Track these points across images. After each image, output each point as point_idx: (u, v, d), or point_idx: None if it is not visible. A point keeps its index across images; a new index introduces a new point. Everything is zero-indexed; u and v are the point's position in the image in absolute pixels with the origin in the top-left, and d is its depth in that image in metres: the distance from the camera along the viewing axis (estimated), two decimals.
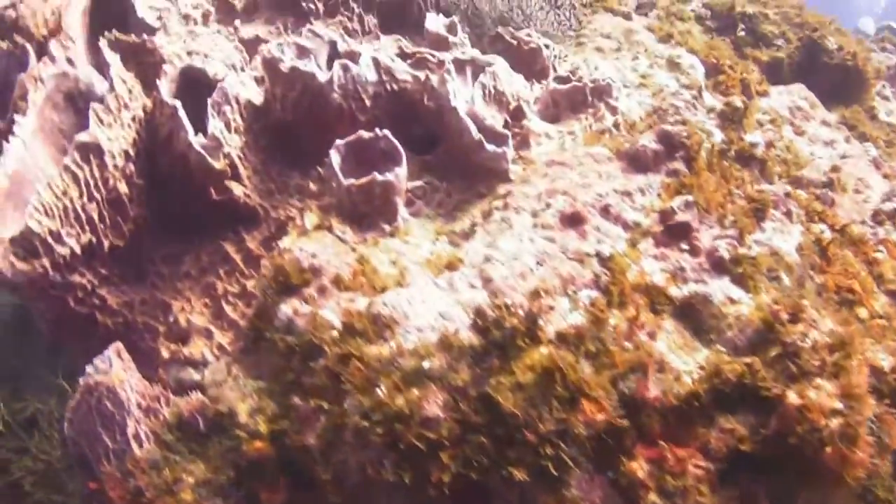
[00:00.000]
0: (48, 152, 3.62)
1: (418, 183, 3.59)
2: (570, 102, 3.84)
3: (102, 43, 3.67)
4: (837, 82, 5.45)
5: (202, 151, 3.39)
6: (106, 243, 3.54)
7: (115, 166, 3.52)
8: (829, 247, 3.54)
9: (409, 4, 4.28)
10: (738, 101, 3.76)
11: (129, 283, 3.68)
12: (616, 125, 3.73)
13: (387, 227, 3.47)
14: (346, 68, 3.50)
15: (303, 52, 3.65)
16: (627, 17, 4.77)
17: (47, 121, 3.62)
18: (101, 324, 3.61)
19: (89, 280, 3.53)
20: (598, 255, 3.07)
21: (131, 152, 3.59)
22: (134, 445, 3.25)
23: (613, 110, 3.81)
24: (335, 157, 3.50)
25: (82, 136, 3.40)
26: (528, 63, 4.04)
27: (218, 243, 3.61)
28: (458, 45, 3.95)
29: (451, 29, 4.02)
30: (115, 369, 3.28)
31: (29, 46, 3.71)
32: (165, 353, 3.51)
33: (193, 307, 3.58)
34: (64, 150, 3.66)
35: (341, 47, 3.67)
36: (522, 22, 4.11)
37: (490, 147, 3.47)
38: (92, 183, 3.46)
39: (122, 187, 3.56)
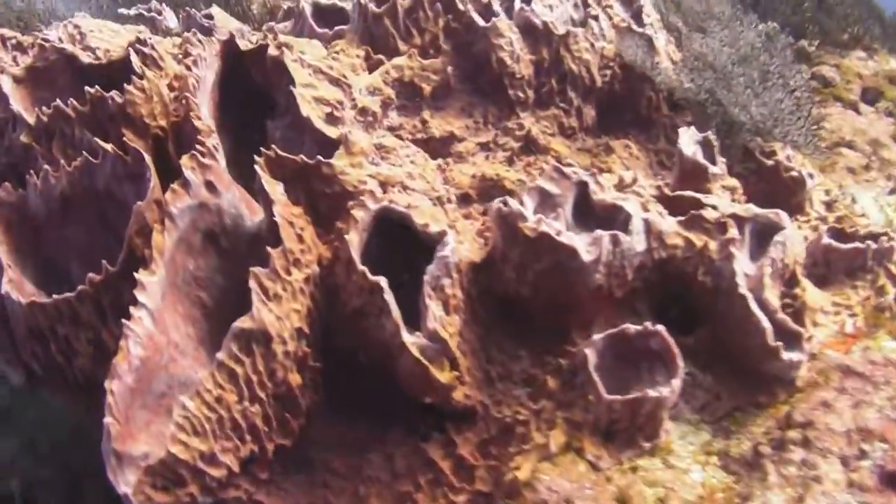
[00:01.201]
0: (183, 312, 2.61)
1: None
2: (847, 265, 3.06)
3: (259, 165, 2.53)
4: None
5: (424, 360, 2.44)
6: (270, 447, 2.62)
7: (286, 353, 2.56)
8: None
9: (637, 97, 3.23)
10: None
11: (290, 478, 2.78)
12: None
13: (646, 445, 2.71)
14: (616, 242, 2.57)
15: (546, 201, 2.67)
16: (856, 108, 3.94)
17: (180, 271, 2.57)
18: None
19: (245, 490, 2.63)
20: None
21: (305, 328, 2.62)
22: None
23: (894, 279, 3.07)
24: (591, 357, 2.64)
25: (243, 323, 2.40)
26: (787, 193, 3.19)
27: (417, 443, 2.74)
28: (718, 177, 3.02)
29: (708, 151, 3.06)
30: None
31: (147, 158, 2.51)
32: None
33: None
34: (202, 305, 2.65)
35: (596, 196, 2.69)
36: (778, 133, 3.19)
37: (786, 356, 2.70)
38: (255, 379, 2.51)
39: (294, 378, 2.61)
